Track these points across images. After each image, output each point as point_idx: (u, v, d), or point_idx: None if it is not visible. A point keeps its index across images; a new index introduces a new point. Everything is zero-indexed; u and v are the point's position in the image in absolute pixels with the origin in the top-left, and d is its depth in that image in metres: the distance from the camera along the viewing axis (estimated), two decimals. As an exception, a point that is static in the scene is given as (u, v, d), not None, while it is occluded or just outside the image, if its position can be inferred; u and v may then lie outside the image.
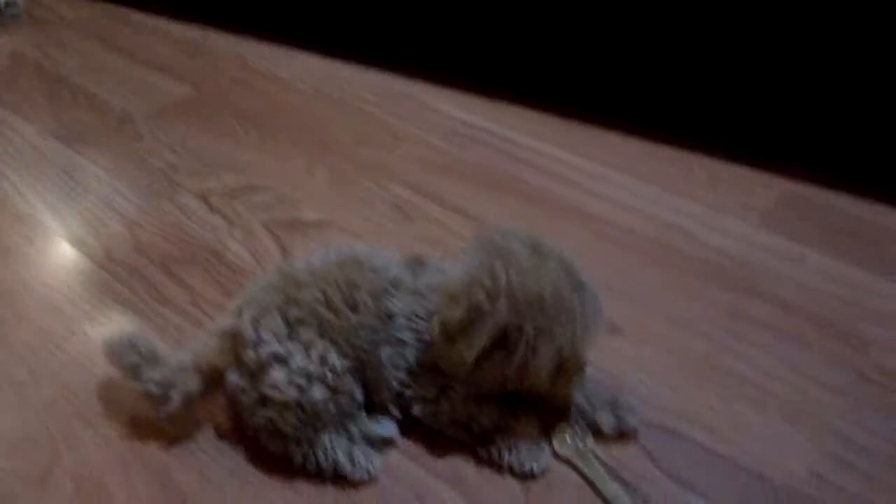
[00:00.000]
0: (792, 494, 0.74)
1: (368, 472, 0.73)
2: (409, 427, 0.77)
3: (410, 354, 0.73)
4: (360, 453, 0.74)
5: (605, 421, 0.78)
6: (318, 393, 0.69)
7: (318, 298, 0.71)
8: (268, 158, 1.26)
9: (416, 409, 0.75)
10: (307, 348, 0.70)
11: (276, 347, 0.69)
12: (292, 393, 0.69)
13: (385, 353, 0.73)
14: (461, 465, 0.76)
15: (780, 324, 0.94)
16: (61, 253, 1.05)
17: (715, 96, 1.26)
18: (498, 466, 0.75)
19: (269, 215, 1.12)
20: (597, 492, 0.73)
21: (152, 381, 0.72)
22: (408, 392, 0.74)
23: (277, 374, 0.69)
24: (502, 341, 0.67)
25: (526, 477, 0.74)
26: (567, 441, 0.76)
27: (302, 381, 0.69)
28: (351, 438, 0.74)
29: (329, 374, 0.70)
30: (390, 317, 0.72)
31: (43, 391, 0.84)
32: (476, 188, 1.19)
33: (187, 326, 0.91)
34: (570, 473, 0.75)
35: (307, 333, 0.70)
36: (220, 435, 0.79)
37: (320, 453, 0.72)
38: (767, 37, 1.17)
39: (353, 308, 0.71)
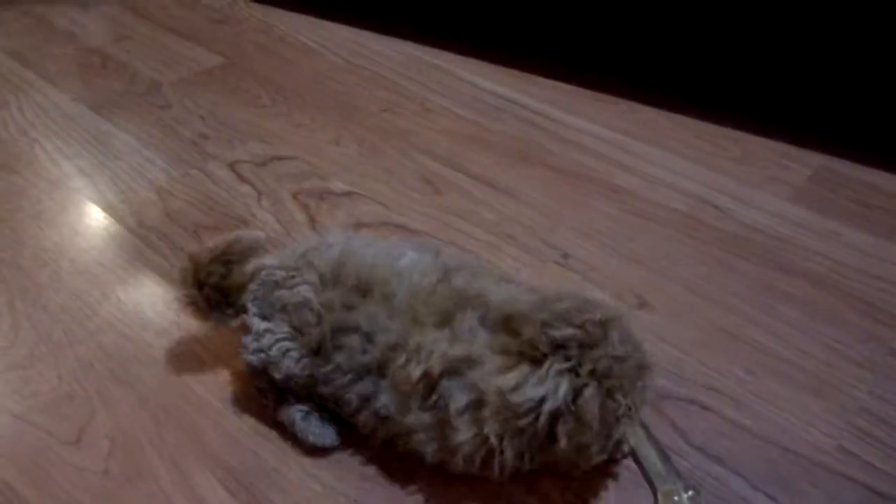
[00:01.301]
0: (818, 468, 0.74)
1: (324, 440, 0.74)
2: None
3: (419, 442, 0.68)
4: (317, 422, 0.75)
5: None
6: (277, 374, 0.74)
7: (312, 309, 0.72)
8: (296, 128, 1.26)
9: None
10: (278, 339, 0.73)
11: (255, 321, 0.75)
12: (256, 360, 0.74)
13: (365, 419, 0.71)
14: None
15: (809, 298, 0.93)
16: (94, 218, 1.07)
17: (748, 69, 1.24)
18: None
19: (297, 185, 1.13)
20: (633, 456, 0.74)
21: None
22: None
23: (251, 343, 0.75)
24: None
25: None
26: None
27: (265, 356, 0.74)
28: (312, 407, 0.76)
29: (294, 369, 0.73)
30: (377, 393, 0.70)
31: (78, 352, 0.86)
32: (504, 160, 1.19)
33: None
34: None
35: (281, 326, 0.73)
36: (247, 396, 0.80)
37: (285, 416, 0.75)
38: (803, 7, 1.14)
39: (340, 348, 0.71)
